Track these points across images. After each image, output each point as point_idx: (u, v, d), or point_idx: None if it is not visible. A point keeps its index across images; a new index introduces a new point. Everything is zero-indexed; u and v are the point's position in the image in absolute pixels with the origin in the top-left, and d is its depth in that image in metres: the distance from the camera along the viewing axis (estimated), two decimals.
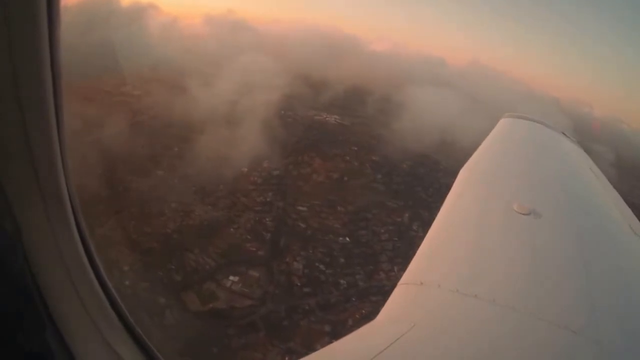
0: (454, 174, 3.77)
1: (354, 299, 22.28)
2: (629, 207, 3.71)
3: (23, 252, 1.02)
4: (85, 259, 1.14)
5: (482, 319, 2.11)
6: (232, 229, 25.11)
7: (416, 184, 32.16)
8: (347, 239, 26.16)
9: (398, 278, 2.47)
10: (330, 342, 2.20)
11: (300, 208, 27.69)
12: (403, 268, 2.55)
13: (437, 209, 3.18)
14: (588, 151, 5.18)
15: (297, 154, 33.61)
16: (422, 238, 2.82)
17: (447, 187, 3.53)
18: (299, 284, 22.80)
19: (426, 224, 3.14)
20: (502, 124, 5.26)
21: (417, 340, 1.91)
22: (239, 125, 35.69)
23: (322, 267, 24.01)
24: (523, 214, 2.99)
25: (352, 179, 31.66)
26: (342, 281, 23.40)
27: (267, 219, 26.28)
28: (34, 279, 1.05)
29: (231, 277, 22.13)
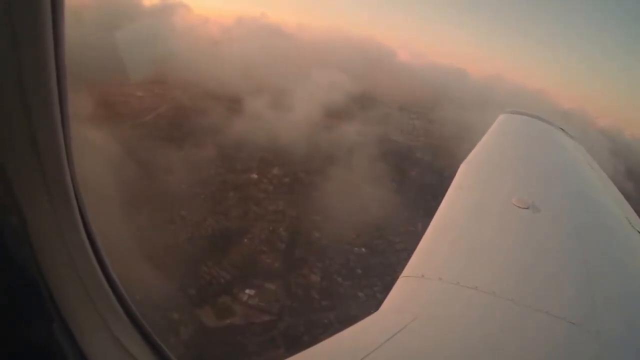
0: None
1: (373, 312, 21.57)
2: None
3: (30, 247, 1.01)
4: (91, 254, 1.14)
5: (483, 311, 2.13)
6: (245, 240, 24.22)
7: (427, 192, 31.82)
8: (363, 249, 25.60)
9: None
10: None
11: (315, 217, 26.99)
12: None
13: (439, 203, 3.22)
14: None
15: (307, 160, 32.94)
16: (423, 232, 2.86)
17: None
18: (317, 297, 22.04)
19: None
20: (502, 119, 5.27)
21: (419, 332, 1.93)
22: (249, 131, 34.86)
23: (339, 279, 23.32)
24: (522, 208, 3.02)
25: (364, 188, 31.17)
26: (360, 294, 22.73)
27: (281, 229, 25.49)
28: (41, 274, 1.04)
29: (247, 291, 21.22)
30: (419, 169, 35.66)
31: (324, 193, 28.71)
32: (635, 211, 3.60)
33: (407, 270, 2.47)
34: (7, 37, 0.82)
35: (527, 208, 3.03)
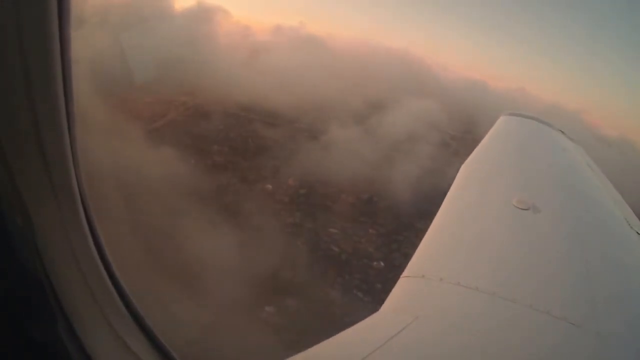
0: None
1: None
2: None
3: (36, 246, 1.02)
4: (96, 255, 1.14)
5: (483, 312, 2.14)
6: (262, 252, 23.26)
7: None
8: (382, 263, 24.93)
9: None
10: None
11: (332, 230, 26.27)
12: None
13: (440, 204, 3.22)
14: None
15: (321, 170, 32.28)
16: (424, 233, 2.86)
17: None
18: (338, 313, 21.10)
19: None
20: (502, 121, 5.30)
21: (420, 332, 1.94)
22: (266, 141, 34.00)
23: (360, 294, 22.53)
24: (523, 209, 3.02)
25: (381, 200, 30.59)
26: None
27: (299, 242, 24.67)
28: (46, 273, 1.05)
29: (267, 308, 20.15)
30: None
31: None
32: (635, 212, 3.61)
33: (407, 271, 2.48)
34: (14, 43, 0.83)
35: (527, 209, 3.03)
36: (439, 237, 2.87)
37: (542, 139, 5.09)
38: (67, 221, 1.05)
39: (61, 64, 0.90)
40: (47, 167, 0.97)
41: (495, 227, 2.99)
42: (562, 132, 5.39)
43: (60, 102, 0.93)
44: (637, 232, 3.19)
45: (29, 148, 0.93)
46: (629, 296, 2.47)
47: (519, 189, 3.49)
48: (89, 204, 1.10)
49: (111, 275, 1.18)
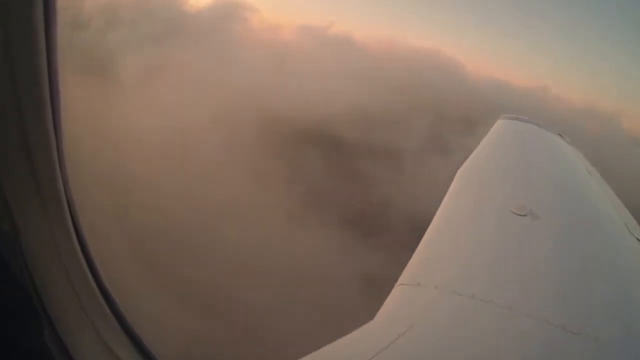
0: None
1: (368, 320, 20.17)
2: None
3: (22, 252, 1.01)
4: (82, 259, 1.13)
5: (480, 320, 2.12)
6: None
7: None
8: None
9: None
10: None
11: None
12: None
13: (436, 209, 3.18)
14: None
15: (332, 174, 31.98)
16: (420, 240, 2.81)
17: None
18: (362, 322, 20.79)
19: None
20: (499, 125, 5.27)
21: (415, 341, 1.93)
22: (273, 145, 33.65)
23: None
24: (520, 215, 2.99)
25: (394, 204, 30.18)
26: None
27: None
28: (32, 279, 1.04)
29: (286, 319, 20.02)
30: None
31: None
32: (634, 217, 3.57)
33: (402, 278, 2.46)
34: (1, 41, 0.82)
35: (525, 215, 3.00)
36: (434, 244, 2.83)
37: (540, 143, 5.04)
38: (53, 227, 1.05)
39: (47, 66, 0.88)
40: (33, 171, 0.96)
41: (492, 233, 2.95)
42: (561, 135, 5.36)
43: (47, 104, 0.91)
44: (637, 238, 3.14)
45: (15, 152, 0.92)
46: (628, 303, 2.44)
47: (517, 194, 3.45)
48: (76, 209, 1.09)
49: (98, 281, 1.18)
